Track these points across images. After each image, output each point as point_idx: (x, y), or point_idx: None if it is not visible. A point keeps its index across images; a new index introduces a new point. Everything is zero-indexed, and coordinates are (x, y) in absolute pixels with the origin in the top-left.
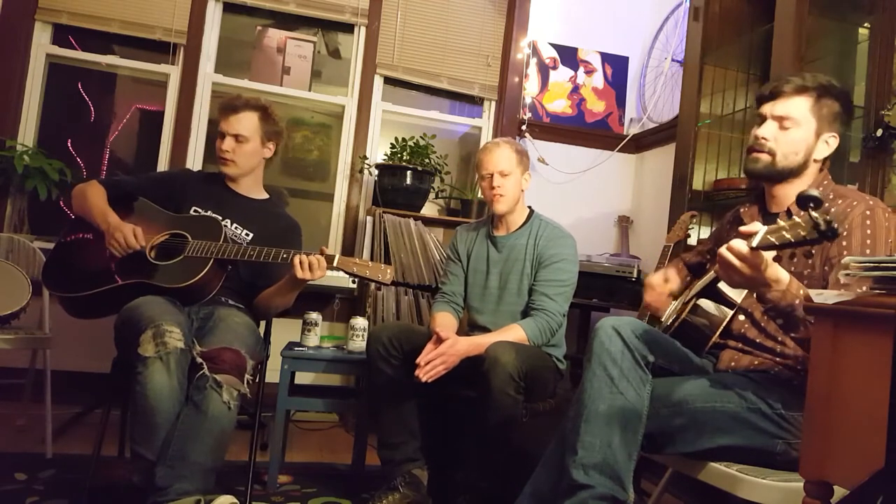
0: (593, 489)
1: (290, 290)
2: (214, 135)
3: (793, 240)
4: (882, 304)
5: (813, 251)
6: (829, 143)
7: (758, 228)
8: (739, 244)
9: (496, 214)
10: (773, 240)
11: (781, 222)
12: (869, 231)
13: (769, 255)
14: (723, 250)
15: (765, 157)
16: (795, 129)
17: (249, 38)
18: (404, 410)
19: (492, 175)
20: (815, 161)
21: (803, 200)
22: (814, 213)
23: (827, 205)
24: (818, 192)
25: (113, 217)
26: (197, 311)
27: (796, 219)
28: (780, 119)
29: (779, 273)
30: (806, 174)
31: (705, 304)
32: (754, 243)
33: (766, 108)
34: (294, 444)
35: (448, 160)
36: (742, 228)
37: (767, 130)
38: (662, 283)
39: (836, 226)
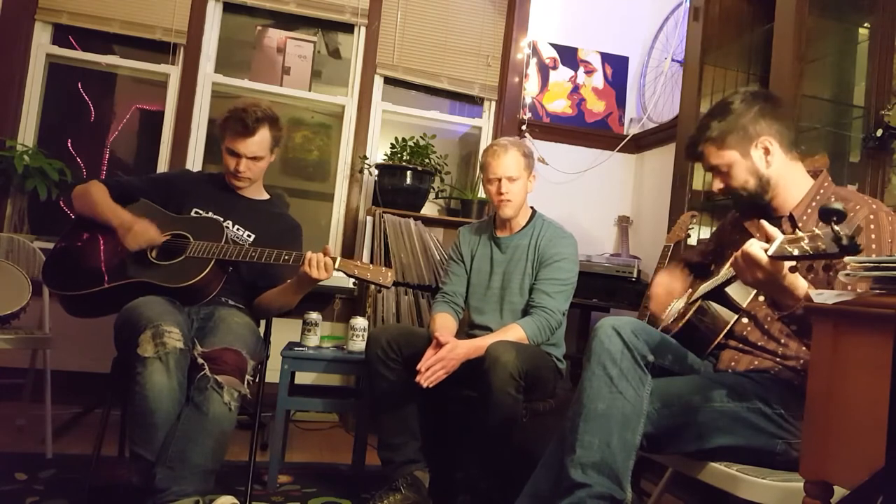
0: (591, 488)
1: (296, 291)
2: (215, 135)
3: (811, 252)
4: (882, 304)
5: (832, 264)
6: (767, 147)
7: (778, 235)
8: (758, 252)
9: (502, 218)
10: (790, 250)
11: (800, 232)
12: (874, 236)
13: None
14: (742, 253)
15: (734, 195)
16: (728, 169)
17: (249, 38)
18: (405, 412)
19: (499, 180)
20: (772, 169)
21: (826, 213)
22: (836, 227)
23: (851, 214)
24: (840, 205)
25: (126, 213)
26: (197, 311)
27: (816, 231)
28: (715, 168)
29: (796, 280)
30: (780, 184)
31: (710, 306)
32: (771, 252)
33: (705, 162)
34: (294, 444)
35: (448, 160)
36: (764, 224)
37: (715, 183)
38: (666, 296)
39: (858, 241)
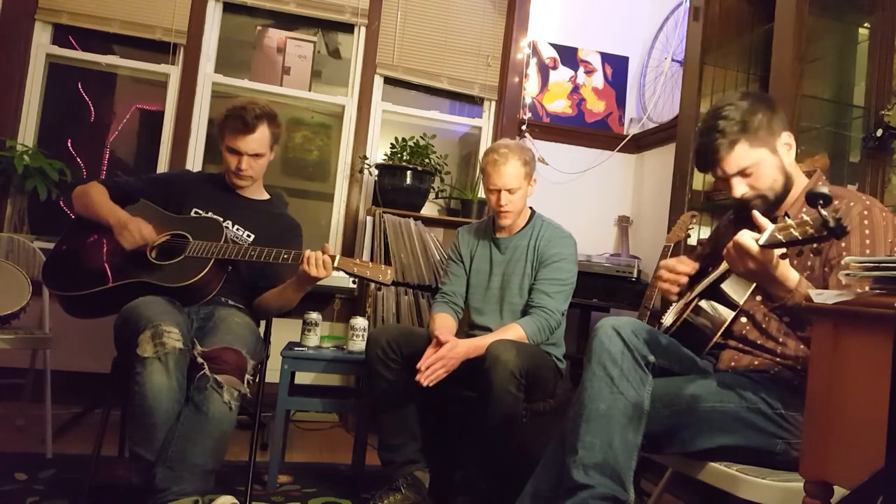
0: (594, 489)
1: (296, 290)
2: (214, 135)
3: (801, 237)
4: (882, 304)
5: (822, 248)
6: (789, 144)
7: (768, 225)
8: (749, 242)
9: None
10: (780, 237)
11: (789, 220)
12: (867, 231)
13: (778, 252)
14: (733, 243)
15: (759, 202)
16: (756, 169)
17: (249, 38)
18: (405, 412)
19: (499, 191)
20: (790, 166)
21: (812, 197)
22: (823, 211)
23: (836, 202)
24: (826, 188)
25: (122, 212)
26: (197, 311)
27: (804, 216)
28: (739, 174)
29: (788, 272)
30: (797, 180)
31: (707, 304)
32: (762, 241)
33: (719, 173)
34: (294, 444)
35: (448, 160)
36: (756, 215)
37: (740, 189)
38: (677, 265)
39: (845, 223)
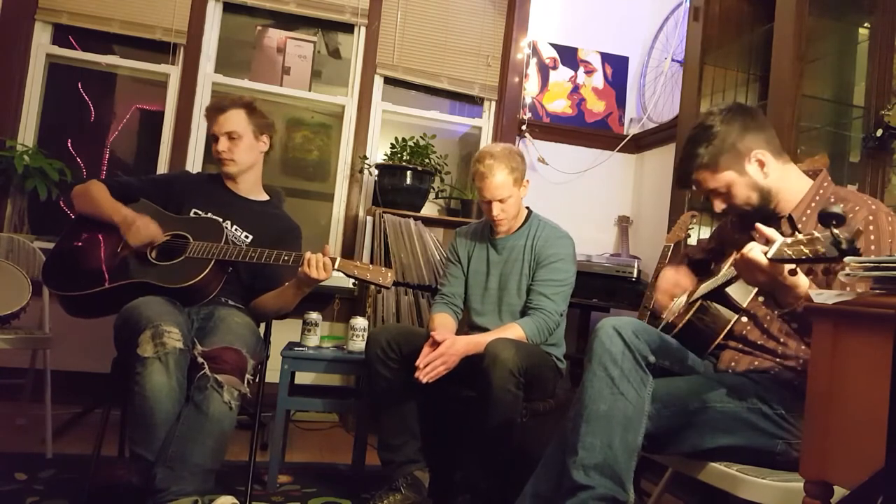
0: (594, 490)
1: (295, 292)
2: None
3: (811, 256)
4: (882, 304)
5: (831, 267)
6: (761, 159)
7: (776, 237)
8: (758, 256)
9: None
10: (790, 253)
11: (799, 235)
12: (872, 237)
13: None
14: (742, 257)
15: (737, 210)
16: (726, 189)
17: (249, 38)
18: (405, 412)
19: (491, 202)
20: (770, 179)
21: (826, 217)
22: (835, 231)
23: (850, 216)
24: (840, 208)
25: (127, 210)
26: (197, 311)
27: (816, 233)
28: (713, 192)
29: (798, 278)
30: (782, 189)
31: (711, 305)
32: (770, 255)
33: (701, 187)
34: (294, 444)
35: (448, 160)
36: (760, 227)
37: (718, 205)
38: (673, 288)
39: (857, 245)
